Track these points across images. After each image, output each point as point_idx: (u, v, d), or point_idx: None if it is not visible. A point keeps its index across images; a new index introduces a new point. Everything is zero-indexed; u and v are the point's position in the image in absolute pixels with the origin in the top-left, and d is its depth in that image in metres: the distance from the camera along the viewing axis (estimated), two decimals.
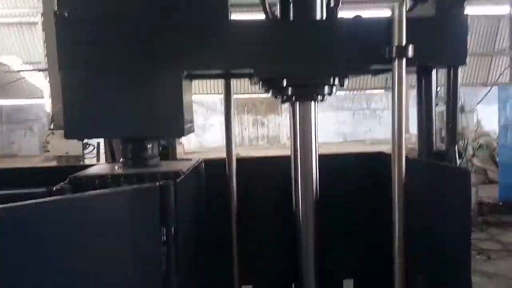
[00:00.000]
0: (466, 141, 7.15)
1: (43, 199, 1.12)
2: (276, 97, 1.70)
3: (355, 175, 2.05)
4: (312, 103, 1.65)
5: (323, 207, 1.79)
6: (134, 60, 1.41)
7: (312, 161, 1.76)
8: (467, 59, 1.52)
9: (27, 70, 9.08)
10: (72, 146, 6.54)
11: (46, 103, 9.71)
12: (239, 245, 1.98)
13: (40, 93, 10.88)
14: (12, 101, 9.72)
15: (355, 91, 15.04)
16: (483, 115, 10.25)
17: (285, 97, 1.67)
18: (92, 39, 1.37)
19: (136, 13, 1.41)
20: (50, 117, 6.95)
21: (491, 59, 13.52)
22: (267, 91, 1.70)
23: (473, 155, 10.31)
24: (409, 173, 1.50)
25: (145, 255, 1.29)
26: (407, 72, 1.48)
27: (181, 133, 1.47)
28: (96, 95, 1.43)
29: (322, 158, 1.82)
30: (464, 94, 9.97)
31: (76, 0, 1.40)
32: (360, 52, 1.46)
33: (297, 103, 1.66)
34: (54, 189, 1.29)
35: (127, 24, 1.39)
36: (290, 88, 1.58)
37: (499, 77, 10.82)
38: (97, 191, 1.24)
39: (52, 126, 6.85)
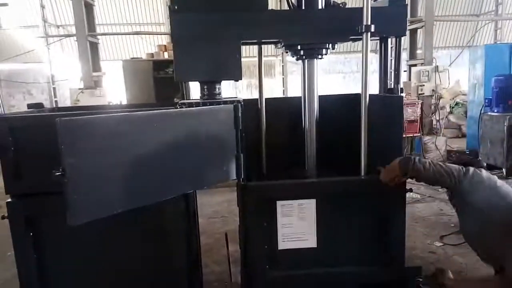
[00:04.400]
0: (438, 97, 8.18)
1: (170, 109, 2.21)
2: (292, 56, 2.76)
3: (341, 108, 3.16)
4: (315, 60, 2.72)
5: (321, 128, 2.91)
6: (216, 36, 2.45)
7: (314, 98, 2.85)
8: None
9: (47, 36, 9.72)
10: (99, 102, 7.50)
11: (44, 67, 10.44)
12: (267, 151, 3.10)
13: (37, 58, 11.28)
14: (9, 65, 10.14)
15: (347, 54, 15.94)
16: (462, 76, 11.31)
17: (298, 56, 2.74)
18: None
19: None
20: (80, 78, 7.92)
21: (477, 23, 14.38)
22: (287, 53, 2.77)
23: (450, 112, 11.52)
24: (370, 103, 2.56)
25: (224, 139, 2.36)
26: (372, 40, 2.53)
27: (240, 78, 2.52)
28: (192, 57, 2.48)
29: (321, 97, 2.91)
30: (446, 55, 10.91)
31: None
32: (345, 28, 2.51)
33: (306, 60, 2.73)
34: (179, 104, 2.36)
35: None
36: (302, 51, 2.65)
37: (470, 39, 11.81)
38: (203, 107, 2.33)
39: (82, 85, 7.86)
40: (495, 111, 6.26)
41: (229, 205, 5.96)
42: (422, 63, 8.01)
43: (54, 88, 10.19)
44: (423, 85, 7.70)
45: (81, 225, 2.07)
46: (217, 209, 5.81)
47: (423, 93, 7.90)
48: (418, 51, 8.73)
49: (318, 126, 2.85)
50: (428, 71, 7.70)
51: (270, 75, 20.05)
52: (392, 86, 2.68)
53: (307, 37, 2.54)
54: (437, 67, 7.90)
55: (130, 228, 2.43)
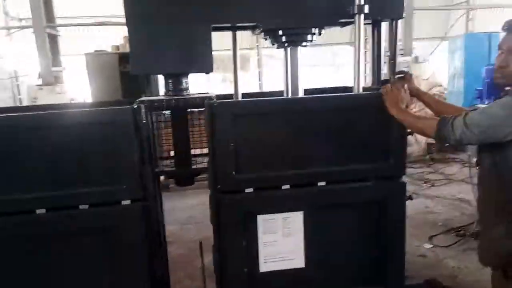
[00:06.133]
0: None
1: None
2: (272, 44, 2.36)
3: None
4: (299, 48, 2.34)
5: None
6: (181, 18, 2.02)
7: (299, 91, 2.47)
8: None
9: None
10: (59, 100, 6.89)
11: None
12: None
13: None
14: None
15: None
16: (439, 67, 11.18)
17: (279, 44, 2.34)
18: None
19: None
20: (38, 74, 7.26)
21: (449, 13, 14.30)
22: (265, 39, 2.37)
23: None
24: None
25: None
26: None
27: (211, 70, 2.11)
28: (151, 44, 2.05)
29: (306, 91, 2.54)
30: (421, 47, 10.82)
31: None
32: (334, 10, 2.13)
33: (289, 48, 2.34)
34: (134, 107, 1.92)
35: None
36: (284, 37, 2.25)
37: (449, 28, 11.68)
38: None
39: (40, 82, 7.19)
40: (486, 102, 6.03)
41: (205, 209, 5.52)
42: (401, 54, 7.77)
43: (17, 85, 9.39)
44: (412, 74, 7.47)
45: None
46: (191, 213, 5.37)
47: None
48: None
49: None
50: (408, 62, 7.47)
51: (245, 68, 19.65)
52: (388, 77, 2.33)
53: (291, 20, 2.14)
54: (416, 57, 7.68)
55: (79, 250, 2.00)
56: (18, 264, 1.96)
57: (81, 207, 1.95)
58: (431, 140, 8.47)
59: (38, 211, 1.90)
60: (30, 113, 2.01)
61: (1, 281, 1.98)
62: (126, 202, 1.98)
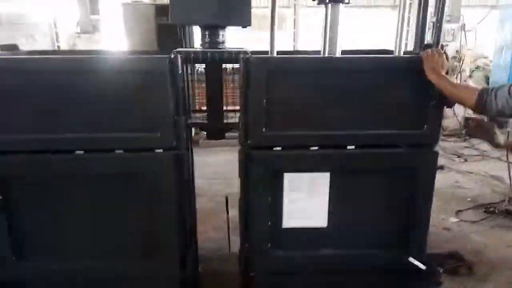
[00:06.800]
0: (462, 59, 7.58)
1: None
2: (313, 0, 2.30)
3: None
4: (340, 5, 2.26)
5: None
6: None
7: (336, 52, 2.40)
8: None
9: None
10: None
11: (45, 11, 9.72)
12: None
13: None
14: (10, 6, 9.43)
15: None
16: (484, 39, 10.54)
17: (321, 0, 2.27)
18: None
19: None
20: (77, 22, 7.37)
21: None
22: None
23: (470, 76, 10.86)
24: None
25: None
26: None
27: (249, 23, 2.09)
28: None
29: (344, 53, 2.46)
30: (469, 14, 10.18)
31: None
32: None
33: (330, 5, 2.26)
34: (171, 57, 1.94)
35: None
36: None
37: None
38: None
39: (79, 30, 7.33)
40: None
41: (231, 166, 5.63)
42: (448, 20, 7.35)
43: (56, 33, 9.55)
44: (447, 44, 7.10)
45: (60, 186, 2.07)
46: (217, 169, 5.50)
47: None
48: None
49: None
50: (454, 30, 7.08)
51: (280, 28, 19.12)
52: (432, 42, 2.22)
53: None
54: (464, 25, 7.26)
55: (112, 193, 2.10)
56: (52, 200, 2.09)
57: (115, 151, 2.03)
58: (469, 114, 8.17)
59: (76, 152, 2.00)
60: (70, 56, 2.06)
61: (35, 212, 2.13)
62: (159, 150, 2.04)
